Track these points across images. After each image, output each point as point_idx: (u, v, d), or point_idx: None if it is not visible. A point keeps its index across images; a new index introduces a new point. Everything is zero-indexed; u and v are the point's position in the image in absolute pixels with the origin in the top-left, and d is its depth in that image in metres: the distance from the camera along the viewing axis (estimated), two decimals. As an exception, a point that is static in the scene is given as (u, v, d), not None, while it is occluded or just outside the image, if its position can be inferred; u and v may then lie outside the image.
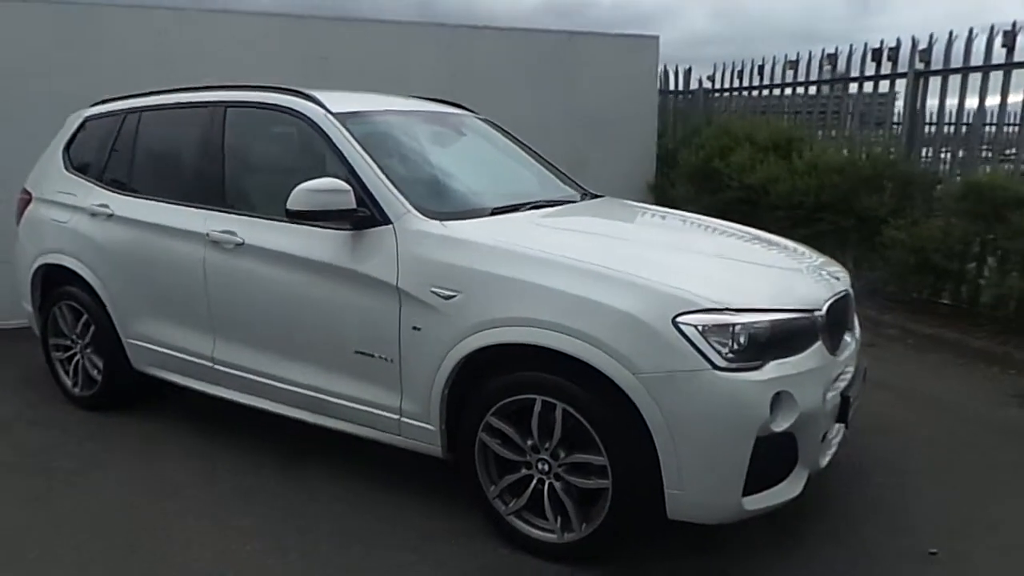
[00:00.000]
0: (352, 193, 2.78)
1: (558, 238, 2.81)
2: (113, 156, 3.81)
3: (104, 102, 4.06)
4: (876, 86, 6.48)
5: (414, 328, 2.68)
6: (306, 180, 2.80)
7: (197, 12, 5.97)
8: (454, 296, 2.57)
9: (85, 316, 3.82)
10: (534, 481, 2.55)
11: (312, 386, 3.01)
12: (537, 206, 3.18)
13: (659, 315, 2.26)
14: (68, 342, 3.98)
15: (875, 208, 5.69)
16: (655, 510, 2.35)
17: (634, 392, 2.25)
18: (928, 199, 5.81)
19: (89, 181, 3.84)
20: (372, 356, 2.81)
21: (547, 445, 2.49)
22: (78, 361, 3.94)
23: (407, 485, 3.04)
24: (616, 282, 2.36)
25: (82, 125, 4.05)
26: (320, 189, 2.75)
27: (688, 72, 8.69)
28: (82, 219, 3.77)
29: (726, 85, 8.27)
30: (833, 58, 6.84)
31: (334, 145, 2.99)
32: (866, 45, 6.49)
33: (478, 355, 2.54)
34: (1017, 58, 5.30)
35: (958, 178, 5.66)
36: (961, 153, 5.94)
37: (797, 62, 7.26)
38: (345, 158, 2.94)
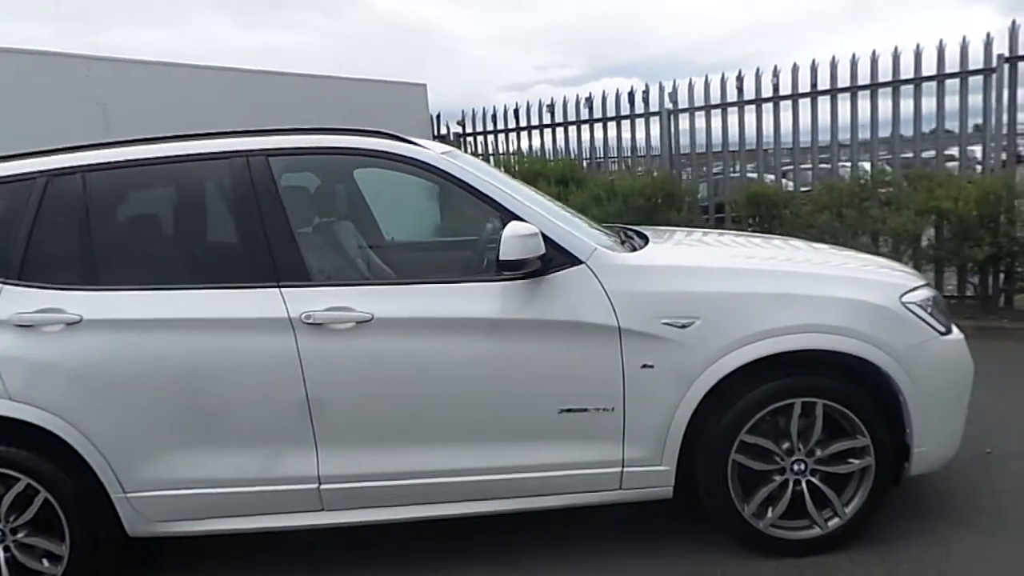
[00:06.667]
0: (541, 236, 2.50)
1: (739, 254, 2.94)
2: (37, 239, 2.59)
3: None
4: (633, 124, 7.73)
5: (643, 367, 2.53)
6: (443, 232, 2.43)
7: None
8: (692, 323, 2.52)
9: (19, 483, 2.52)
10: (791, 485, 2.64)
11: (497, 467, 2.57)
12: (642, 236, 3.15)
13: (891, 300, 2.60)
14: (-32, 534, 2.56)
15: (675, 221, 6.81)
16: (897, 474, 2.68)
17: (892, 370, 2.54)
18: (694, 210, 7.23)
19: (-3, 281, 2.56)
20: (585, 410, 2.55)
21: (801, 445, 2.62)
22: (-4, 557, 2.57)
23: (610, 540, 2.80)
24: (845, 280, 2.65)
25: (-66, 202, 2.65)
26: (524, 234, 2.42)
27: (438, 117, 9.05)
28: (4, 337, 2.50)
29: (478, 129, 8.86)
30: (589, 101, 7.92)
31: (475, 189, 2.63)
32: (618, 91, 7.72)
33: (730, 375, 2.53)
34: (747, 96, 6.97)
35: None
36: (722, 169, 7.46)
37: (553, 105, 8.19)
38: (498, 202, 2.62)
